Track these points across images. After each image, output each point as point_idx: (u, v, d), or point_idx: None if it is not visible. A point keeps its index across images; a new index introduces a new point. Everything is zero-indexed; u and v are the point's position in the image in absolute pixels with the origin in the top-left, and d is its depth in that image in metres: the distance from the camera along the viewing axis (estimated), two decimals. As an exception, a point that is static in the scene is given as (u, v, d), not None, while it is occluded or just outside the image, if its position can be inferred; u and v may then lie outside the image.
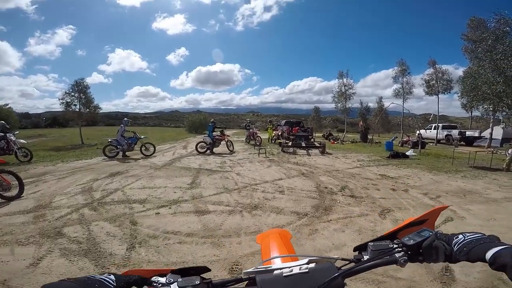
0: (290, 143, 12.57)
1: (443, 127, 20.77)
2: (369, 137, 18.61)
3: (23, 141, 9.74)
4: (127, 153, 9.97)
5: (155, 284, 0.52)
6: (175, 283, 0.52)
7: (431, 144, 18.55)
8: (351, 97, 25.68)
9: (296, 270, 0.55)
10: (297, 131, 16.20)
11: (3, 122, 9.64)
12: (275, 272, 0.56)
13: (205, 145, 10.87)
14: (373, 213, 4.07)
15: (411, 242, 0.57)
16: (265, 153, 10.48)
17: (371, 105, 33.03)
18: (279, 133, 16.21)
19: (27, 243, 2.98)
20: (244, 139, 16.33)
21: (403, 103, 23.03)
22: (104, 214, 3.88)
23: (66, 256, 2.71)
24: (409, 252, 0.57)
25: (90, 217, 3.78)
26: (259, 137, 14.93)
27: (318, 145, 12.17)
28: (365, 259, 0.60)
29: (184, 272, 0.56)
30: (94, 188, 5.26)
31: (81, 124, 16.94)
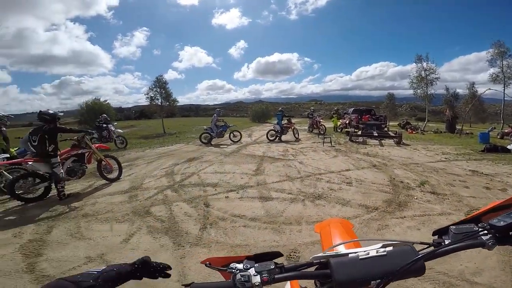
0: (359, 132, 11.71)
1: None
2: (458, 127, 15.78)
3: (120, 130, 11.75)
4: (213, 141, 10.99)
5: (233, 270, 0.55)
6: (252, 268, 0.55)
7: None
8: (434, 83, 22.12)
9: (373, 253, 0.55)
10: (367, 119, 14.91)
11: (105, 115, 11.79)
12: (350, 255, 0.55)
13: (274, 133, 11.35)
14: (458, 213, 3.52)
15: (502, 223, 0.53)
16: (331, 142, 10.05)
17: (460, 91, 27.79)
18: (347, 122, 15.23)
19: (123, 221, 3.55)
20: (306, 127, 15.93)
21: (504, 89, 18.72)
22: (183, 196, 4.41)
23: (151, 233, 3.15)
24: (497, 235, 0.54)
25: (172, 198, 4.34)
26: (323, 125, 14.38)
27: (393, 135, 10.96)
28: (446, 243, 0.57)
29: (258, 257, 0.59)
30: (175, 172, 6.01)
31: (162, 115, 19.39)
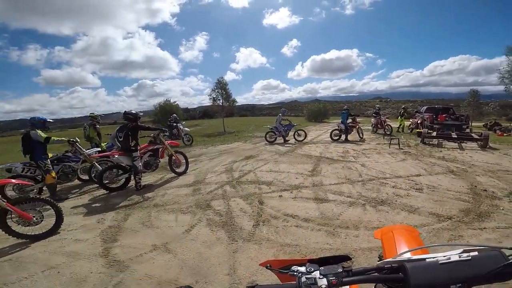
0: (434, 133, 10.32)
1: None
2: None
3: (188, 129, 12.94)
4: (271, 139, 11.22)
5: (295, 273, 0.54)
6: (317, 271, 0.53)
7: None
8: None
9: (454, 258, 0.52)
10: (444, 119, 13.00)
11: (175, 115, 13.14)
12: (428, 260, 0.53)
13: (338, 132, 10.97)
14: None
15: None
16: (399, 144, 9.12)
17: None
18: (418, 122, 13.56)
19: (187, 212, 3.91)
20: (370, 127, 14.72)
21: None
22: (240, 192, 4.63)
23: (210, 226, 3.40)
24: None
25: (230, 193, 4.61)
26: (389, 125, 13.10)
27: (477, 137, 9.31)
28: None
29: (323, 261, 0.57)
30: (234, 169, 6.35)
31: (223, 115, 20.58)
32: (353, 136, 11.20)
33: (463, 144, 9.25)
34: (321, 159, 7.17)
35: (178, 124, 12.17)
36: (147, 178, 5.92)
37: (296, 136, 11.14)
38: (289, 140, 11.00)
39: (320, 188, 4.65)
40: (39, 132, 4.64)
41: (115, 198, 4.82)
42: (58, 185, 5.18)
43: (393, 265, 0.55)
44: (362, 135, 11.37)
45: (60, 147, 5.84)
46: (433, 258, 0.53)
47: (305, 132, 11.38)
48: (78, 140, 5.60)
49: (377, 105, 18.14)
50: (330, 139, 10.95)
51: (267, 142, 10.85)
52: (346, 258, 0.59)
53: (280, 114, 11.30)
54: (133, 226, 3.57)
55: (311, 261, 0.57)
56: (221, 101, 19.63)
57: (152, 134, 5.81)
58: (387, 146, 9.06)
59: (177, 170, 6.12)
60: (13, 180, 3.82)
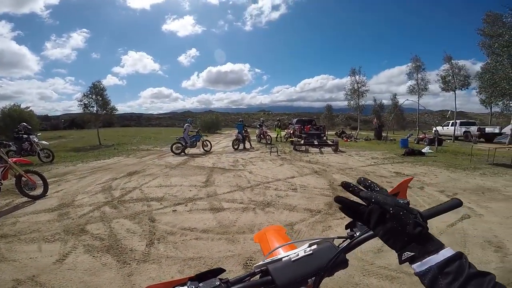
0: (302, 142, 12.55)
1: (461, 124, 20.10)
2: (384, 134, 18.26)
3: (45, 142, 10.23)
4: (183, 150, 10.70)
5: None
6: None
7: (448, 141, 17.98)
8: (364, 94, 25.46)
9: (301, 254, 0.60)
10: (309, 129, 16.09)
11: (24, 124, 10.17)
12: (284, 259, 0.60)
13: (237, 142, 11.97)
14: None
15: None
16: (277, 151, 10.52)
17: (385, 102, 32.45)
18: (291, 132, 16.18)
19: (53, 240, 3.14)
20: (255, 137, 16.45)
21: (418, 100, 22.57)
22: (124, 212, 4.05)
23: (90, 252, 2.85)
24: None
25: (111, 214, 3.95)
26: (269, 135, 15.14)
27: (331, 143, 12.07)
28: (357, 234, 0.64)
29: (201, 276, 0.57)
30: (114, 187, 5.48)
31: (98, 125, 17.52)
32: (219, 147, 12.05)
33: (322, 149, 11.73)
34: (214, 169, 7.30)
35: (31, 136, 9.45)
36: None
37: (204, 147, 11.26)
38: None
39: (214, 198, 4.71)
40: None
41: None
42: None
43: (262, 268, 0.60)
44: (251, 144, 12.84)
45: None
46: (287, 256, 0.60)
47: (210, 143, 11.68)
48: None
49: (262, 118, 20.46)
50: (231, 148, 11.95)
51: (173, 154, 10.33)
52: (221, 270, 0.60)
53: (188, 125, 11.11)
54: None
55: (191, 278, 0.57)
56: (95, 108, 16.70)
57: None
58: (269, 153, 10.29)
59: (31, 193, 4.72)
60: None
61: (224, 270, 0.61)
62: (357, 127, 26.54)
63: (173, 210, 4.09)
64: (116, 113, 19.45)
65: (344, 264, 0.59)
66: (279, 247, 0.81)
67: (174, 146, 10.60)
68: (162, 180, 6.02)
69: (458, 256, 0.43)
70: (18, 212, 4.08)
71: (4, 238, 3.16)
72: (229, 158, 9.32)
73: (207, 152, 11.06)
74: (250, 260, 2.69)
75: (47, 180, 5.09)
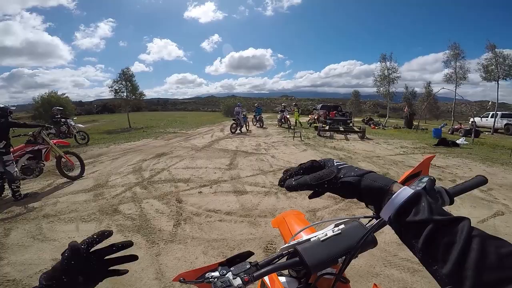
0: (327, 127, 12.24)
1: (503, 116, 18.23)
2: (415, 123, 17.22)
3: (81, 125, 10.93)
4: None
5: (211, 279, 0.55)
6: (229, 273, 0.55)
7: (486, 133, 16.55)
8: (395, 81, 23.95)
9: (330, 234, 0.60)
10: (334, 115, 15.61)
11: (57, 107, 10.87)
12: (312, 239, 0.60)
13: (235, 126, 12.68)
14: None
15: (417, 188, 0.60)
16: (300, 136, 10.38)
17: (417, 89, 30.35)
18: (315, 117, 15.81)
19: (89, 220, 3.35)
20: (276, 122, 16.54)
21: (455, 89, 20.88)
22: (153, 192, 4.26)
23: (122, 232, 3.02)
24: None
25: (141, 195, 4.17)
26: (289, 120, 15.10)
27: (358, 130, 11.64)
28: None
29: (231, 261, 0.59)
30: (143, 168, 5.77)
31: (128, 109, 18.36)
32: (261, 131, 12.07)
33: (348, 136, 11.36)
34: (237, 152, 7.40)
35: (67, 120, 10.14)
36: (30, 186, 4.71)
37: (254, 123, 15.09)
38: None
39: (238, 180, 4.80)
40: None
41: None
42: None
43: (289, 250, 0.61)
44: (247, 128, 13.71)
45: None
46: (315, 236, 0.60)
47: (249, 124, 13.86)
48: None
49: (283, 104, 20.13)
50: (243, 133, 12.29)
51: (231, 133, 11.98)
52: (249, 253, 0.61)
53: (240, 108, 12.95)
54: (20, 241, 2.86)
55: (221, 264, 0.58)
56: (125, 94, 17.45)
57: (31, 133, 4.64)
58: (292, 138, 10.18)
59: (70, 174, 5.10)
60: None
61: (253, 253, 0.62)
62: (386, 114, 25.25)
63: (198, 192, 4.24)
64: (144, 98, 20.23)
65: (373, 243, 0.59)
66: (302, 230, 0.81)
67: (232, 126, 12.40)
68: (189, 162, 6.23)
69: (418, 196, 0.39)
70: (58, 192, 4.45)
71: (46, 218, 3.43)
72: (252, 142, 9.37)
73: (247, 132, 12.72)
74: (271, 244, 2.75)
75: (84, 161, 5.47)
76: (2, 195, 4.18)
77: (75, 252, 0.48)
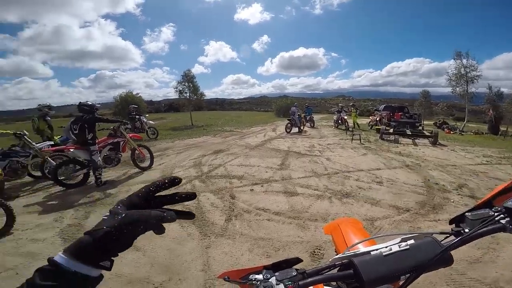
0: (391, 130, 11.15)
1: None
2: (502, 128, 14.43)
3: (152, 122, 12.29)
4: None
5: (254, 281, 0.54)
6: (273, 277, 0.53)
7: None
8: (475, 80, 20.40)
9: (395, 248, 0.54)
10: (400, 117, 14.11)
11: (133, 105, 12.42)
12: (373, 253, 0.55)
13: (290, 125, 12.57)
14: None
15: None
16: (360, 139, 9.70)
17: (504, 90, 25.30)
18: (377, 119, 14.57)
19: None
20: (332, 123, 15.64)
21: None
22: (210, 187, 4.52)
23: (180, 222, 3.20)
24: None
25: (199, 188, 4.48)
26: (347, 122, 14.09)
27: (428, 134, 10.29)
28: (466, 231, 0.57)
29: (276, 266, 0.56)
30: (203, 163, 6.19)
31: (190, 109, 19.96)
32: (314, 132, 11.69)
33: (416, 141, 10.14)
34: (289, 153, 7.31)
35: (141, 117, 11.52)
36: (109, 174, 5.51)
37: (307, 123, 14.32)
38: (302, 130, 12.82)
39: (289, 181, 4.74)
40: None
41: (74, 195, 4.41)
42: (6, 182, 4.63)
43: (343, 261, 0.56)
44: (301, 129, 13.06)
45: (6, 140, 5.16)
46: (377, 250, 0.55)
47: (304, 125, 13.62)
48: (27, 133, 5.01)
49: (340, 104, 19.09)
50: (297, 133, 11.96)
51: (286, 133, 12.03)
52: (298, 260, 0.58)
53: (296, 108, 13.11)
54: (95, 224, 3.30)
55: (266, 267, 0.56)
56: (188, 94, 18.99)
57: (112, 127, 5.40)
58: (350, 141, 9.58)
59: (141, 164, 5.78)
60: None
61: (301, 260, 0.59)
62: (464, 117, 21.75)
63: (250, 189, 4.33)
64: (204, 98, 21.72)
65: (449, 262, 0.53)
66: (360, 242, 0.76)
67: (287, 125, 12.37)
68: (243, 160, 6.43)
69: None
70: (131, 181, 5.08)
71: None
72: (304, 143, 9.15)
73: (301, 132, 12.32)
74: (319, 249, 2.63)
75: (153, 154, 6.12)
76: (87, 182, 4.95)
77: (144, 193, 0.48)
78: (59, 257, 0.38)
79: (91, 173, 4.86)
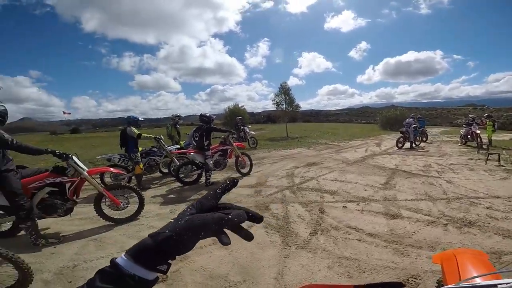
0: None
1: None
2: None
3: (253, 132, 13.44)
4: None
5: None
6: None
7: None
8: None
9: None
10: None
11: (240, 117, 13.84)
12: (500, 286, 0.47)
13: (402, 140, 10.71)
14: None
15: None
16: (499, 159, 7.49)
17: None
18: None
19: None
20: (458, 138, 12.49)
21: None
22: (299, 198, 4.54)
23: (266, 228, 3.40)
24: None
25: (289, 198, 4.56)
26: (480, 137, 10.73)
27: None
28: None
29: (372, 287, 0.51)
30: (295, 174, 6.28)
31: (286, 120, 20.66)
32: (432, 149, 9.74)
33: None
34: (397, 172, 6.43)
35: (244, 127, 12.76)
36: (216, 176, 6.33)
37: (415, 142, 11.20)
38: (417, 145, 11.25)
39: (392, 203, 4.18)
40: (133, 129, 5.45)
41: (187, 191, 5.32)
42: (143, 176, 5.97)
43: None
44: (414, 144, 11.12)
45: (148, 142, 6.76)
46: (506, 284, 0.47)
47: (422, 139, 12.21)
48: (162, 137, 6.40)
49: (471, 115, 15.13)
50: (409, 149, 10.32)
51: (396, 148, 10.57)
52: (399, 285, 0.50)
53: (413, 120, 11.34)
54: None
55: (357, 287, 0.50)
56: (284, 106, 19.74)
57: (223, 136, 6.24)
58: (483, 161, 7.54)
59: (242, 170, 6.39)
60: (112, 169, 4.59)
61: (404, 285, 0.52)
62: None
63: (343, 206, 4.08)
64: (299, 110, 22.04)
65: None
66: (482, 276, 0.66)
67: (398, 140, 10.75)
68: (338, 175, 6.13)
69: None
70: None
71: None
72: (418, 161, 7.82)
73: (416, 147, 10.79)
74: (414, 278, 2.25)
75: (252, 162, 6.67)
76: (199, 181, 5.85)
77: (213, 195, 0.47)
78: (121, 258, 0.38)
79: (203, 174, 5.74)
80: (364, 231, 3.23)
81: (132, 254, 0.38)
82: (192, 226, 0.41)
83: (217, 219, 0.41)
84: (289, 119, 22.30)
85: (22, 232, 3.20)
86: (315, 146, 12.29)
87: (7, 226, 3.33)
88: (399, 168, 6.84)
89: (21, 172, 3.16)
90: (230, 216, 0.42)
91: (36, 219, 3.18)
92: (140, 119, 5.84)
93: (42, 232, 3.27)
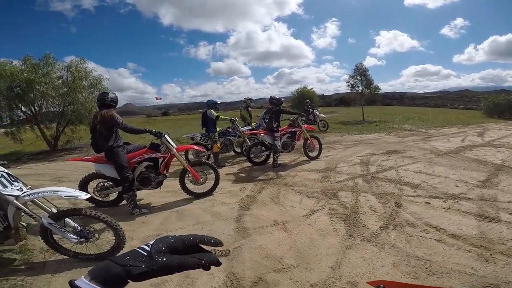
0: None
1: None
2: None
3: (323, 115, 12.93)
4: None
5: None
6: None
7: None
8: None
9: None
10: None
11: (308, 100, 13.44)
12: None
13: None
14: None
15: None
16: None
17: None
18: None
19: (312, 197, 3.95)
20: None
21: None
22: (373, 188, 4.24)
23: (331, 216, 3.31)
24: None
25: (361, 187, 4.30)
26: None
27: None
28: None
29: None
30: (371, 162, 5.83)
31: (362, 103, 18.99)
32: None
33: None
34: (503, 168, 5.23)
35: (314, 110, 12.40)
36: (283, 158, 6.44)
37: None
38: None
39: (490, 204, 3.51)
40: (213, 111, 6.03)
41: (256, 171, 5.62)
42: (220, 154, 6.52)
43: None
44: None
45: (224, 124, 7.31)
46: None
47: None
48: (237, 119, 6.83)
49: None
50: None
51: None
52: None
53: None
54: (264, 199, 3.96)
55: None
56: (360, 88, 18.10)
57: (292, 118, 6.27)
58: None
59: (310, 154, 6.35)
60: (195, 147, 5.16)
61: None
62: None
63: (426, 202, 3.65)
64: (379, 92, 19.83)
65: None
66: None
67: None
68: (423, 166, 5.42)
69: None
70: (298, 168, 5.70)
71: (285, 186, 4.49)
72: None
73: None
74: None
75: (322, 146, 6.52)
76: (267, 162, 6.09)
77: (190, 244, 0.48)
78: (83, 282, 0.38)
79: (271, 155, 5.96)
80: (446, 231, 2.86)
81: (95, 277, 0.39)
82: (169, 267, 0.43)
83: (192, 264, 0.44)
84: (366, 101, 20.43)
85: (124, 202, 3.76)
86: (397, 132, 10.99)
87: (113, 196, 3.92)
88: (507, 164, 5.56)
89: (126, 147, 3.64)
90: (203, 262, 0.45)
91: (135, 190, 3.68)
92: (218, 102, 6.36)
93: (138, 203, 3.77)
